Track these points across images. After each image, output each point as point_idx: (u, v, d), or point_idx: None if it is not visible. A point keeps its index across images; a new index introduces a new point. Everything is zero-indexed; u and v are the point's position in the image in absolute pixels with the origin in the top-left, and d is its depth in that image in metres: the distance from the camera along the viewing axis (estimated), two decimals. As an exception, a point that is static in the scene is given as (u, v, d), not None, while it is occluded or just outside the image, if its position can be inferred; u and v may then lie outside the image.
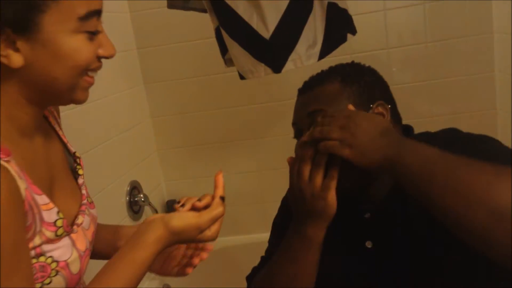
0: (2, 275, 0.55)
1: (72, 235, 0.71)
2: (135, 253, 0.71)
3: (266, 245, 1.10)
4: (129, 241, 0.74)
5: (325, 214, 0.86)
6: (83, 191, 0.81)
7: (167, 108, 2.05)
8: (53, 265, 0.66)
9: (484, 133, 0.88)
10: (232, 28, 1.35)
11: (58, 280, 0.67)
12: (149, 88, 2.03)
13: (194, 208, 0.77)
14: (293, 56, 1.32)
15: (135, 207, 1.81)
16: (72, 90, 0.68)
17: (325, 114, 0.86)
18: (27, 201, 0.62)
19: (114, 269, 0.71)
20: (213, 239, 0.77)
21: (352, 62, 1.00)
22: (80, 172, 0.82)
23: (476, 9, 1.79)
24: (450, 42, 1.83)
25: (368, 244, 0.92)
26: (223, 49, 1.44)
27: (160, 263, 0.92)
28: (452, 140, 0.85)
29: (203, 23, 1.51)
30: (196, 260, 0.88)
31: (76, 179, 0.81)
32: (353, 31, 1.41)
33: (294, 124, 0.98)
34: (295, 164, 0.89)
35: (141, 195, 1.82)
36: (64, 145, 0.82)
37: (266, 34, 1.30)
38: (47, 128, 0.78)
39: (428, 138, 0.91)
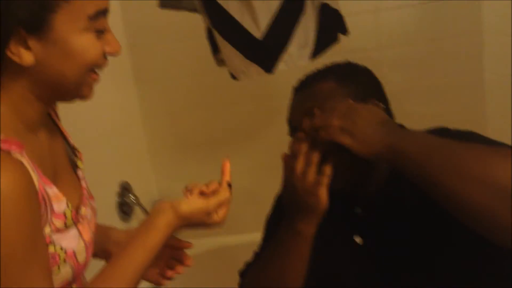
0: (23, 263, 0.59)
1: (79, 225, 0.74)
2: (146, 238, 0.75)
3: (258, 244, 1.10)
4: (140, 228, 0.77)
5: (316, 210, 0.88)
6: (83, 183, 0.83)
7: (158, 108, 2.03)
8: (62, 254, 0.69)
9: (474, 133, 0.89)
10: (223, 28, 1.34)
11: (66, 269, 0.70)
12: (140, 88, 2.01)
13: (201, 194, 0.81)
14: (285, 56, 1.32)
15: (125, 208, 1.80)
16: (79, 87, 0.70)
17: (325, 106, 0.87)
18: (40, 192, 0.65)
19: (126, 254, 0.74)
20: (220, 223, 0.81)
21: (347, 61, 1.01)
22: (80, 164, 0.85)
23: (466, 10, 1.81)
24: (440, 42, 1.85)
25: (358, 239, 0.94)
26: (215, 49, 1.44)
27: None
28: (442, 135, 0.87)
29: (194, 23, 1.50)
30: (177, 269, 0.91)
31: (75, 172, 0.83)
32: (345, 32, 1.41)
33: (289, 121, 0.99)
34: (289, 160, 0.90)
35: (132, 196, 1.81)
36: (64, 138, 0.84)
37: (258, 34, 1.30)
38: (49, 122, 0.80)
39: None
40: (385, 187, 0.92)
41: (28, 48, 0.63)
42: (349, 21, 1.41)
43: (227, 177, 0.83)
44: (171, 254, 0.91)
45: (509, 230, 0.65)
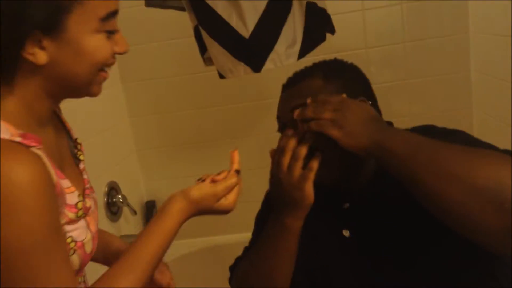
0: (48, 252, 0.63)
1: (87, 217, 0.77)
2: (161, 224, 0.79)
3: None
4: (154, 217, 0.81)
5: (302, 204, 0.88)
6: (85, 176, 0.85)
7: (145, 107, 2.03)
8: (72, 244, 0.72)
9: (460, 131, 0.91)
10: (211, 27, 1.34)
11: (74, 259, 0.73)
12: (127, 88, 2.00)
13: (212, 182, 0.85)
14: (272, 55, 1.32)
15: (113, 208, 1.79)
16: (89, 85, 0.73)
17: (318, 98, 0.88)
18: (58, 185, 0.68)
19: (143, 241, 0.77)
20: (230, 208, 0.85)
21: (335, 58, 1.02)
22: (81, 157, 0.87)
23: (453, 10, 1.82)
24: (427, 42, 1.86)
25: (346, 233, 0.94)
26: (202, 48, 1.43)
27: None
28: (429, 133, 0.88)
29: (181, 22, 1.50)
30: None
31: (77, 164, 0.85)
32: (332, 31, 1.41)
33: (278, 118, 1.00)
34: (276, 155, 0.91)
35: (120, 196, 1.80)
36: (67, 132, 0.87)
37: (246, 33, 1.30)
38: (53, 116, 0.83)
39: None
40: (373, 183, 0.94)
41: (42, 48, 0.66)
42: (336, 20, 1.42)
43: (235, 165, 0.88)
44: None
45: (484, 230, 0.66)
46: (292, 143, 0.89)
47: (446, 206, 0.69)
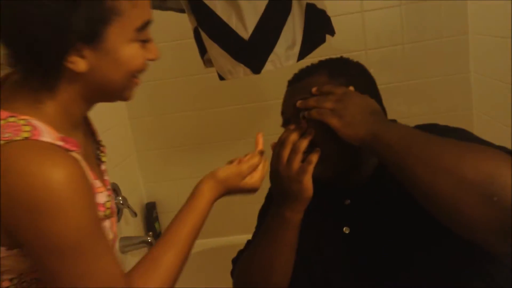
0: (94, 247, 0.68)
1: (111, 218, 0.81)
2: (194, 203, 0.85)
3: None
4: (187, 199, 0.87)
5: (301, 197, 0.90)
6: (106, 177, 0.88)
7: (145, 109, 2.03)
8: None
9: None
10: (210, 28, 1.34)
11: None
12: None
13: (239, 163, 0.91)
14: (272, 57, 1.32)
15: (113, 210, 1.79)
16: (123, 90, 0.79)
17: (323, 88, 0.90)
18: (92, 185, 0.73)
19: (180, 220, 0.83)
20: (256, 186, 0.92)
21: (341, 57, 1.03)
22: (104, 159, 0.90)
23: (452, 11, 1.83)
24: (426, 43, 1.86)
25: (346, 230, 0.95)
26: (202, 50, 1.43)
27: None
28: (430, 130, 0.89)
29: (181, 24, 1.50)
30: None
31: (98, 166, 0.88)
32: (332, 32, 1.41)
33: (282, 113, 1.01)
34: (276, 148, 0.93)
35: (120, 198, 1.80)
36: (92, 133, 0.92)
37: (245, 34, 1.30)
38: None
39: None
40: (374, 180, 0.94)
41: (82, 56, 0.70)
42: (335, 22, 1.42)
43: (260, 147, 0.95)
44: None
45: (473, 223, 0.66)
46: (293, 136, 0.90)
47: (436, 198, 0.69)
